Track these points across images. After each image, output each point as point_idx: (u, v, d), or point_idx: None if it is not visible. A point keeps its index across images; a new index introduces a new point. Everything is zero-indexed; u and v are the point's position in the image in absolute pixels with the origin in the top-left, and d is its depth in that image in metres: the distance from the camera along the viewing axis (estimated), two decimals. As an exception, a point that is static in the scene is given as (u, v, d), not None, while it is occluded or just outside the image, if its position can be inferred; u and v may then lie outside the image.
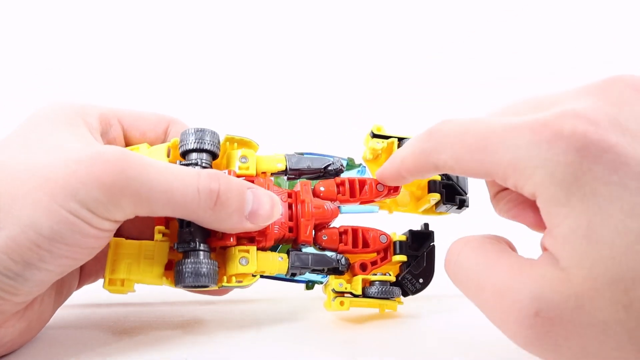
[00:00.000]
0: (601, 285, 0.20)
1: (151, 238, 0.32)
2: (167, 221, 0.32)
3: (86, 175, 0.25)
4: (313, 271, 0.35)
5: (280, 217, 0.33)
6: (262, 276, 0.36)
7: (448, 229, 0.38)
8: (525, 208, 0.26)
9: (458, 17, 0.77)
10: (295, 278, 0.36)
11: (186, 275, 0.30)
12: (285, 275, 0.34)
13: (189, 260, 0.30)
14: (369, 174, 0.39)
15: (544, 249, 0.23)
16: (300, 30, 0.77)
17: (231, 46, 0.76)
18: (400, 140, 0.37)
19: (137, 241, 0.31)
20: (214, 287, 0.31)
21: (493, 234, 0.27)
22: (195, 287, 0.31)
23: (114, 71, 0.73)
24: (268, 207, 0.31)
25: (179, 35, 0.75)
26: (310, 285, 0.37)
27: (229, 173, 0.33)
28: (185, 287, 0.31)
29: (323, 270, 0.35)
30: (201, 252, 0.31)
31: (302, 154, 0.38)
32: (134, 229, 0.34)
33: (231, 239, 0.32)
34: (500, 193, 0.27)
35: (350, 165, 0.39)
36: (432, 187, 0.36)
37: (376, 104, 0.73)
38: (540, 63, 0.75)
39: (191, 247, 0.31)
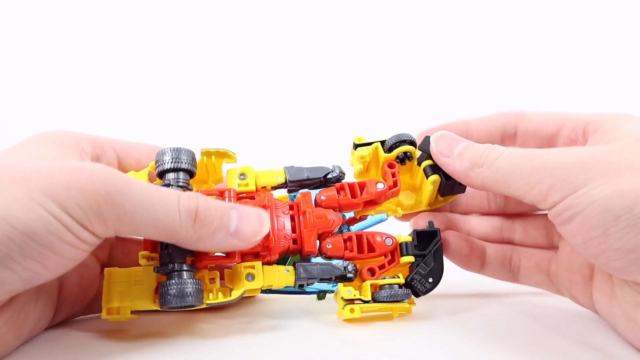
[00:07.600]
0: None
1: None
2: (152, 246, 0.31)
3: (70, 181, 0.25)
4: (321, 280, 0.33)
5: (284, 230, 0.33)
6: (271, 291, 0.35)
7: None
8: None
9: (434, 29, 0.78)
10: (305, 289, 0.34)
11: (170, 297, 0.29)
12: (294, 287, 0.33)
13: (172, 282, 0.30)
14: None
15: None
16: (282, 45, 0.77)
17: (215, 63, 0.76)
18: (383, 142, 0.36)
19: (127, 268, 0.32)
20: (200, 306, 0.30)
21: None
22: (181, 307, 0.30)
23: (104, 104, 0.73)
24: (256, 223, 0.30)
25: (162, 55, 0.76)
26: (321, 295, 0.36)
27: (228, 193, 0.33)
28: (171, 308, 0.30)
29: (331, 279, 0.33)
30: (184, 273, 0.30)
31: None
32: (128, 261, 0.33)
33: (236, 256, 0.31)
34: None
35: None
36: (427, 172, 0.35)
37: (357, 118, 0.72)
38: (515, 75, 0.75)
39: (170, 269, 0.30)
